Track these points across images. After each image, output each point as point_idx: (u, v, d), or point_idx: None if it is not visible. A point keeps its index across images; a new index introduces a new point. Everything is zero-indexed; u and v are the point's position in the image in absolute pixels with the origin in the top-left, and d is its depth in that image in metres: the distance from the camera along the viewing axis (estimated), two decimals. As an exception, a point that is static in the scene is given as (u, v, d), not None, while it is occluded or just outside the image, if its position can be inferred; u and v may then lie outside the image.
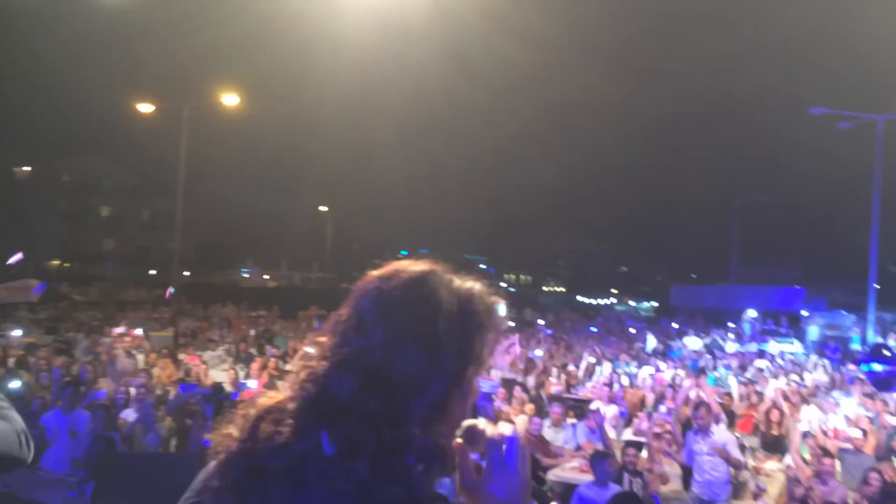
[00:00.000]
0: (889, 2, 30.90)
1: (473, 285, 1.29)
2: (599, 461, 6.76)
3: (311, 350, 1.28)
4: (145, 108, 30.10)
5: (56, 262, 45.26)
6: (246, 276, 51.09)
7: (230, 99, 28.33)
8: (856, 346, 23.57)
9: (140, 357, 13.48)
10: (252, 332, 18.87)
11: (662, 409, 10.60)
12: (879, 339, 22.47)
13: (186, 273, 42.60)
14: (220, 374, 13.70)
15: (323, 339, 1.24)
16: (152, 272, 46.71)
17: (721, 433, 7.69)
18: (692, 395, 10.59)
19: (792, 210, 54.61)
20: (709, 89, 57.43)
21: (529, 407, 11.01)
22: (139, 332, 15.51)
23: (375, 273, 1.29)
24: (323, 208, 52.15)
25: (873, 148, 24.74)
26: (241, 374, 13.28)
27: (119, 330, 13.59)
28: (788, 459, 8.98)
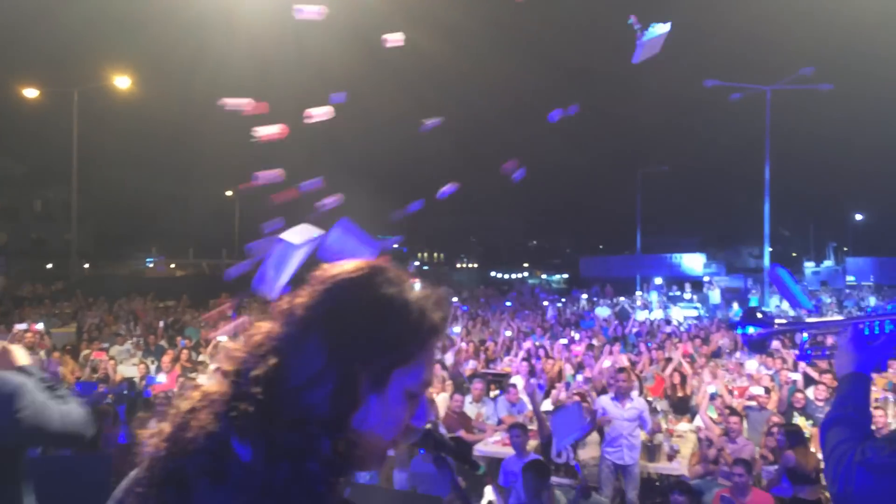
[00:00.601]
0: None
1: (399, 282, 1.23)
2: (517, 433, 6.86)
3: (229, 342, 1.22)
4: (31, 93, 28.54)
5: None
6: (150, 265, 49.31)
7: (122, 81, 27.17)
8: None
9: (41, 354, 12.81)
10: (161, 324, 18.24)
11: (580, 377, 10.88)
12: (775, 300, 23.75)
13: (86, 265, 40.78)
14: (130, 369, 13.22)
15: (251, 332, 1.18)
16: (49, 266, 44.50)
17: (638, 400, 7.95)
18: (607, 363, 10.91)
19: (691, 179, 56.78)
20: (606, 64, 58.74)
21: (449, 384, 11.09)
22: (40, 326, 14.75)
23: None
24: (228, 193, 50.80)
25: (764, 117, 26.00)
26: (153, 367, 12.87)
27: (20, 326, 12.88)
28: (698, 420, 9.41)
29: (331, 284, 1.18)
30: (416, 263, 72.74)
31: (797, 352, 14.02)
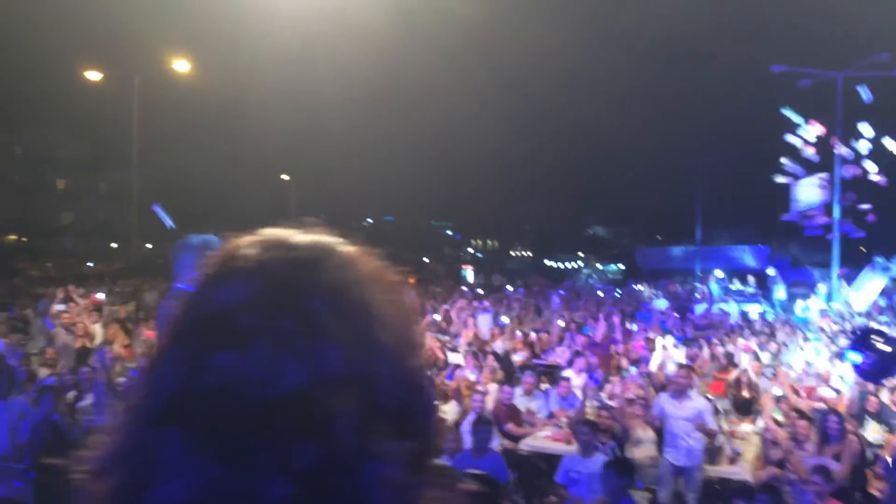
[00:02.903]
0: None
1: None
2: (585, 431, 6.47)
3: None
4: (94, 76, 29.10)
5: (13, 238, 43.95)
6: (208, 249, 50.07)
7: (181, 65, 27.48)
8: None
9: (97, 327, 12.94)
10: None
11: (633, 370, 10.46)
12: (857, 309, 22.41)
13: (149, 245, 41.65)
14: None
15: None
16: (113, 245, 45.61)
17: (697, 399, 7.52)
18: (663, 358, 10.48)
19: (753, 170, 55.01)
20: (669, 47, 57.24)
21: (499, 374, 10.81)
22: (101, 296, 14.90)
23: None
24: (285, 177, 51.25)
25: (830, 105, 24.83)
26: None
27: (59, 307, 13.01)
28: (761, 422, 8.92)
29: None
30: (470, 250, 72.52)
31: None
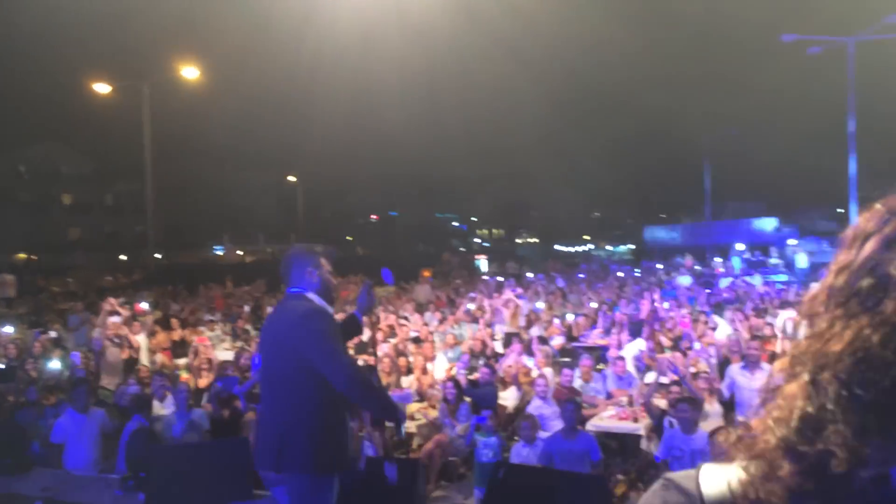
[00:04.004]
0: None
1: None
2: (685, 408, 6.46)
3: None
4: (102, 88, 29.06)
5: (23, 256, 44.02)
6: (219, 253, 50.25)
7: (190, 72, 27.46)
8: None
9: (141, 339, 13.00)
10: (246, 308, 18.47)
11: (697, 346, 10.53)
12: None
13: (158, 255, 41.74)
14: (224, 354, 13.39)
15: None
16: (122, 257, 45.72)
17: (768, 369, 7.59)
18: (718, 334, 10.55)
19: (759, 141, 54.97)
20: (672, 25, 57.09)
21: (552, 359, 10.89)
22: (144, 305, 14.98)
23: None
24: (291, 178, 51.29)
25: (839, 72, 24.84)
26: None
27: (115, 319, 13.05)
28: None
29: None
30: (478, 240, 72.60)
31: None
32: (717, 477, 0.87)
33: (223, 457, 5.82)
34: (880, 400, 0.73)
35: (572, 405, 6.91)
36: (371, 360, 10.65)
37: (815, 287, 0.88)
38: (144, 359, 12.82)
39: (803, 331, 0.84)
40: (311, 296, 3.90)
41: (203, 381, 10.76)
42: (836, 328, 0.79)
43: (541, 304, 16.83)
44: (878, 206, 0.85)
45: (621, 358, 10.13)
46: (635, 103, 60.59)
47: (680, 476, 0.93)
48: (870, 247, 0.81)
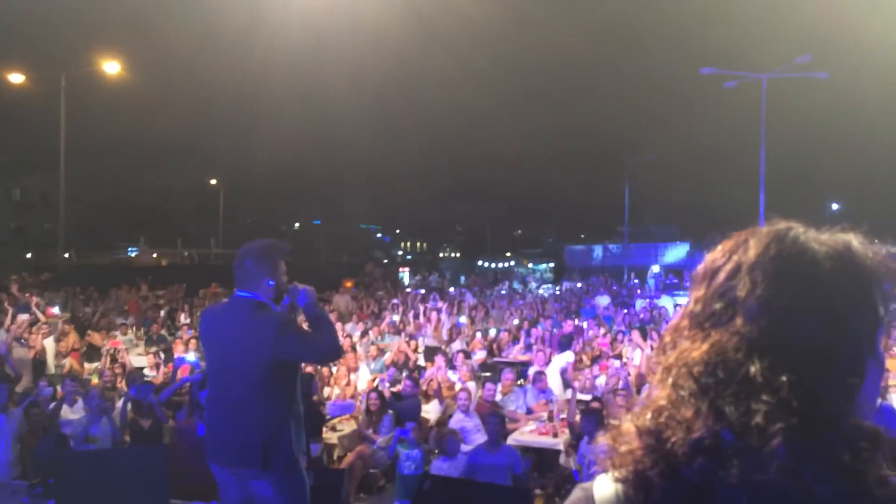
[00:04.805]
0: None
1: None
2: (590, 419, 6.64)
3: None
4: (16, 78, 27.81)
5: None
6: (133, 255, 48.54)
7: (111, 67, 26.61)
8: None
9: (49, 343, 12.45)
10: (162, 313, 17.92)
11: (617, 363, 10.82)
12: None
13: (66, 255, 39.97)
14: (138, 360, 12.97)
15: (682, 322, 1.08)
16: (28, 255, 43.60)
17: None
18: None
19: (676, 168, 56.98)
20: (597, 49, 58.60)
21: (476, 374, 11.00)
22: (55, 310, 14.37)
23: (752, 240, 1.06)
24: (213, 181, 50.11)
25: (754, 107, 26.13)
26: (163, 357, 12.59)
27: (24, 316, 12.46)
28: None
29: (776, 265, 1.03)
30: (400, 253, 72.54)
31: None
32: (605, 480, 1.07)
33: (139, 464, 5.65)
34: (718, 387, 0.95)
35: (496, 418, 7.00)
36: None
37: (676, 316, 1.12)
38: (51, 362, 12.30)
39: (671, 351, 1.04)
40: (265, 301, 3.88)
41: (117, 387, 10.41)
42: (696, 342, 1.00)
43: (464, 319, 16.96)
44: (718, 248, 1.08)
45: (542, 373, 10.31)
46: (560, 124, 61.96)
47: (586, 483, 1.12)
48: (720, 277, 1.03)
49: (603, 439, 1.05)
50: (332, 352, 3.96)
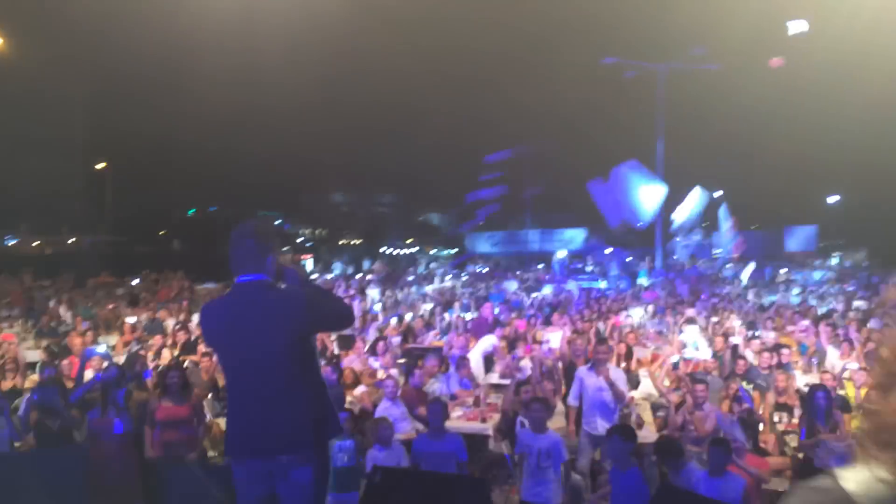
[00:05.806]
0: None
1: None
2: (539, 408, 6.57)
3: None
4: None
5: None
6: (12, 243, 45.44)
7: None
8: (642, 280, 25.90)
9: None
10: (51, 304, 16.79)
11: (545, 347, 10.85)
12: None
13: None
14: (30, 353, 12.09)
15: None
16: None
17: (613, 370, 7.94)
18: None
19: (572, 156, 58.22)
20: (491, 39, 59.02)
21: (399, 360, 10.81)
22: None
23: None
24: (100, 165, 47.42)
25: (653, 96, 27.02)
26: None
27: None
28: (643, 389, 9.65)
29: None
30: (300, 240, 71.15)
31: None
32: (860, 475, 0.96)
33: (54, 467, 5.18)
34: None
35: (439, 405, 6.85)
36: (203, 361, 10.01)
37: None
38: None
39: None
40: (271, 280, 3.72)
41: (7, 383, 9.62)
42: None
43: (378, 307, 16.75)
44: None
45: (465, 358, 10.24)
46: (461, 107, 62.20)
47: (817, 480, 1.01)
48: None
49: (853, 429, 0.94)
50: (351, 315, 3.95)
